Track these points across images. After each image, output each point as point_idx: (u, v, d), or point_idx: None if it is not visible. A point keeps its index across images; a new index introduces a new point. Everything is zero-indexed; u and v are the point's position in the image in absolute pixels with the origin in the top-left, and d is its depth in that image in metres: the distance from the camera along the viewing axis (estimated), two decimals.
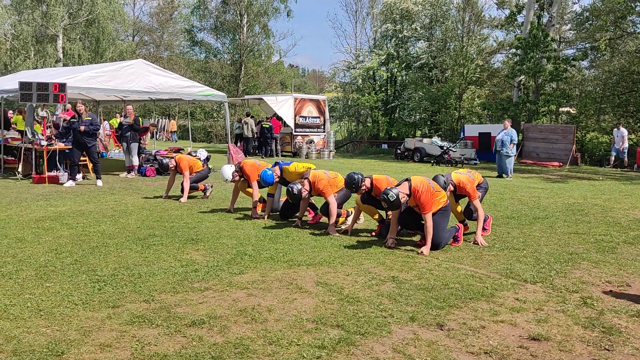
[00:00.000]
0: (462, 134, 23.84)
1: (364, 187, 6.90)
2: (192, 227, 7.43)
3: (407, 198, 6.20)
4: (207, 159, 12.14)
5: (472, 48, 29.97)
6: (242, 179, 8.69)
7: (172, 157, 10.18)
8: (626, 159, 20.27)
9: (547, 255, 6.19)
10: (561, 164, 20.45)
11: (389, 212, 6.85)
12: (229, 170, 8.67)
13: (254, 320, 4.08)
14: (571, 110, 26.56)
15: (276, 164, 8.38)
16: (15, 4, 33.57)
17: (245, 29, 39.00)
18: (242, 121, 24.29)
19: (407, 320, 4.14)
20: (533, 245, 6.70)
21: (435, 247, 6.29)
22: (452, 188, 6.87)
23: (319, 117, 24.38)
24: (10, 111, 18.36)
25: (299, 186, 7.35)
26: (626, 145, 20.15)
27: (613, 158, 20.48)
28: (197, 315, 4.14)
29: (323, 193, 7.41)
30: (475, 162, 20.66)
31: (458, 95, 28.96)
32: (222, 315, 4.17)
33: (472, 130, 23.64)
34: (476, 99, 30.69)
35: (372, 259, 5.90)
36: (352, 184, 6.90)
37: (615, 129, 20.64)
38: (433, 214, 6.22)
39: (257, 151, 23.64)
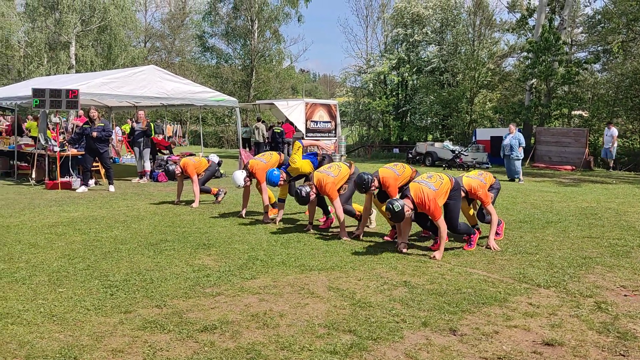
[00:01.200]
0: (473, 137, 23.75)
1: (373, 188, 6.90)
2: (204, 232, 7.45)
3: (412, 212, 6.19)
4: (219, 164, 12.17)
5: (483, 52, 29.87)
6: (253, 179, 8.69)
7: (177, 164, 10.18)
8: (612, 160, 19.96)
9: (560, 260, 6.13)
10: (574, 167, 20.29)
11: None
12: (240, 176, 8.66)
13: (266, 326, 4.08)
14: (583, 114, 26.36)
15: (281, 168, 8.35)
16: (29, 11, 33.94)
17: (256, 34, 39.16)
18: (253, 126, 24.35)
19: (419, 326, 4.11)
20: (546, 250, 6.64)
21: (452, 230, 6.42)
22: (463, 194, 6.83)
23: (330, 122, 24.39)
24: (30, 116, 18.55)
25: (308, 189, 7.30)
26: (615, 145, 19.86)
27: (609, 161, 20.13)
28: (209, 321, 4.14)
29: (330, 196, 7.37)
30: (487, 165, 20.56)
31: (469, 99, 28.87)
32: (234, 321, 4.16)
33: (483, 134, 23.54)
34: (488, 103, 30.56)
35: (384, 264, 5.88)
36: (362, 184, 6.88)
37: (606, 129, 20.29)
38: (445, 203, 6.30)
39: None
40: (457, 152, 20.62)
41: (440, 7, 30.86)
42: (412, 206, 6.12)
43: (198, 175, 10.02)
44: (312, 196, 7.36)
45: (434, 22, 31.42)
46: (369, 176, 6.87)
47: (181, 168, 9.92)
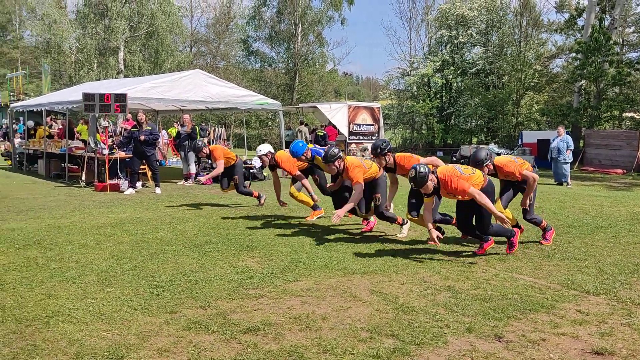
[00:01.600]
0: (520, 140, 23.30)
1: (388, 157, 6.86)
2: (247, 234, 7.52)
3: (436, 185, 5.98)
4: (262, 167, 12.24)
5: (530, 53, 29.25)
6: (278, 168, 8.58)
7: (206, 145, 10.16)
8: None
9: (610, 266, 5.94)
10: (625, 171, 19.65)
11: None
12: (265, 148, 8.62)
13: (308, 328, 4.08)
14: (635, 116, 25.51)
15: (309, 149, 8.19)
16: (80, 18, 35.07)
17: (299, 38, 39.43)
18: (296, 129, 24.48)
19: (463, 331, 4.05)
20: (596, 256, 6.45)
21: (483, 231, 6.27)
22: (491, 166, 6.66)
23: (373, 125, 24.31)
24: (81, 120, 19.12)
25: (341, 155, 7.21)
26: None
27: None
28: (252, 322, 4.18)
29: (353, 179, 7.11)
30: (534, 169, 20.12)
31: (515, 101, 28.32)
32: (277, 323, 4.19)
33: (530, 136, 23.05)
34: (534, 105, 29.93)
35: (428, 268, 5.82)
36: (376, 148, 6.82)
37: None
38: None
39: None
40: (502, 155, 20.24)
41: (485, 8, 30.39)
42: (436, 182, 5.97)
43: (233, 178, 10.03)
44: (338, 163, 7.17)
45: (479, 24, 30.96)
46: (388, 145, 6.84)
47: (209, 150, 9.94)
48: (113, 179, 12.73)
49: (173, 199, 11.18)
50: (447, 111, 31.96)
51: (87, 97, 12.11)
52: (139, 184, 12.67)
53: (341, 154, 7.24)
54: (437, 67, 31.21)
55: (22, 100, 30.95)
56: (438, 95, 32.37)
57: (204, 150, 9.94)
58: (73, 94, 15.84)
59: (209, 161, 15.21)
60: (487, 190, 6.23)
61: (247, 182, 10.53)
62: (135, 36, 34.97)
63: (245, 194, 10.22)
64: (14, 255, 6.19)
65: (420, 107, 30.97)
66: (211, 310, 4.45)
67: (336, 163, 7.19)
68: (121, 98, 12.23)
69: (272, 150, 8.67)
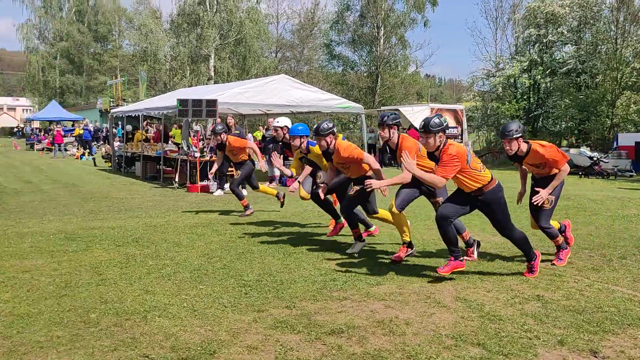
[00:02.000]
0: (615, 143, 22.11)
1: (393, 130, 6.12)
2: (331, 236, 7.61)
3: (441, 147, 5.30)
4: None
5: (627, 50, 27.68)
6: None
7: (225, 132, 9.62)
8: None
9: None
10: None
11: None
12: (284, 122, 8.21)
13: (392, 333, 4.10)
14: None
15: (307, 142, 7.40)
16: (174, 27, 36.71)
17: (382, 41, 39.31)
18: (378, 132, 24.42)
19: (555, 344, 3.92)
20: None
21: (503, 230, 5.52)
22: (523, 145, 5.98)
23: (456, 127, 23.88)
24: (175, 125, 20.03)
25: (334, 131, 6.51)
26: None
27: None
28: (336, 324, 4.24)
29: (354, 155, 6.35)
30: (631, 174, 19.05)
31: (610, 101, 26.89)
32: (360, 326, 4.23)
33: (627, 139, 21.80)
34: (632, 106, 28.27)
35: (515, 276, 5.66)
36: (382, 117, 6.15)
37: None
38: (490, 209, 5.45)
39: (392, 161, 23.64)
40: (595, 158, 19.30)
41: (577, 5, 29.06)
42: (443, 145, 5.28)
43: (238, 170, 9.65)
44: (329, 139, 6.43)
45: (570, 21, 29.65)
46: (397, 118, 6.19)
47: (226, 138, 9.37)
48: (203, 181, 13.23)
49: (258, 200, 11.49)
50: (535, 113, 30.81)
51: (181, 102, 12.66)
52: (227, 186, 13.10)
53: (334, 129, 6.55)
54: (524, 68, 30.17)
55: (121, 105, 32.82)
56: (525, 97, 31.29)
57: (222, 136, 9.34)
58: (168, 100, 16.61)
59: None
60: (495, 195, 5.44)
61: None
62: (224, 44, 36.15)
63: (236, 194, 9.64)
64: (114, 252, 6.61)
65: (506, 108, 30.03)
66: (296, 310, 4.56)
67: (327, 138, 6.43)
68: (212, 103, 12.71)
69: (290, 126, 7.87)
